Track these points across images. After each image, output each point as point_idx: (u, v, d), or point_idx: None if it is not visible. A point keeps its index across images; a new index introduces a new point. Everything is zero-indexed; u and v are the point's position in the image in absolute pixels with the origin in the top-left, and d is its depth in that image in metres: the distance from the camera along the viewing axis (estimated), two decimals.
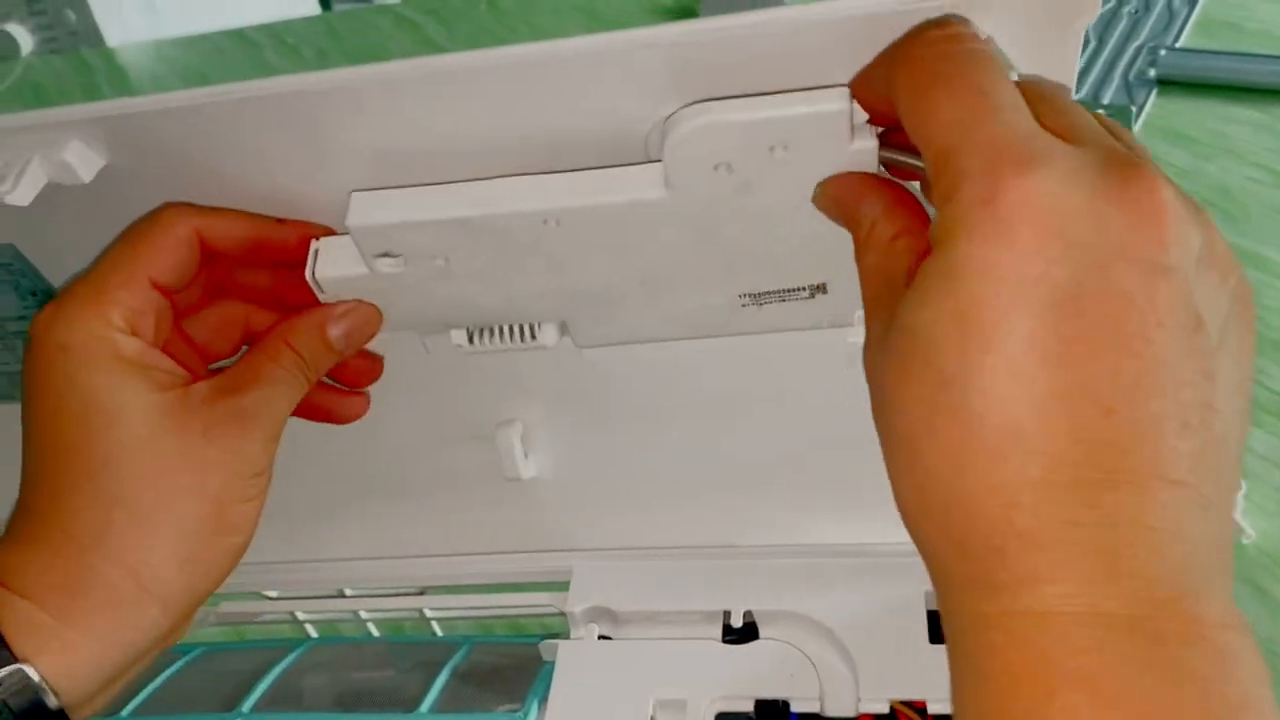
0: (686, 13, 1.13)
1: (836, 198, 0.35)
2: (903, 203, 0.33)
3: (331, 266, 0.41)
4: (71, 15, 1.35)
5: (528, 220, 0.38)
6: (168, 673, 0.57)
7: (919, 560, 0.47)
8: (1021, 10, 0.32)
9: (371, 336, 0.43)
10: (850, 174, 0.35)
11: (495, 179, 0.39)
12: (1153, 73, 0.87)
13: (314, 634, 0.61)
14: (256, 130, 0.38)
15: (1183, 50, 0.89)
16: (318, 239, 0.41)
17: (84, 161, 0.38)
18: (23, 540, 0.35)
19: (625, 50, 0.35)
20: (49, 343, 0.36)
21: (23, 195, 0.37)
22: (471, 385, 0.48)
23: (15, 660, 0.33)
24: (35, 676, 0.33)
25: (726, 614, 0.48)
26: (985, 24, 0.32)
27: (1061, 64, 0.33)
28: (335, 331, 0.41)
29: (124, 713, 0.54)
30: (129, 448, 0.35)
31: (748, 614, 0.48)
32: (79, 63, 1.36)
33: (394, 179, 0.39)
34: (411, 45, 1.18)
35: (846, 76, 0.34)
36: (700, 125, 0.35)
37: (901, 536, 0.48)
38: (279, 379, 0.39)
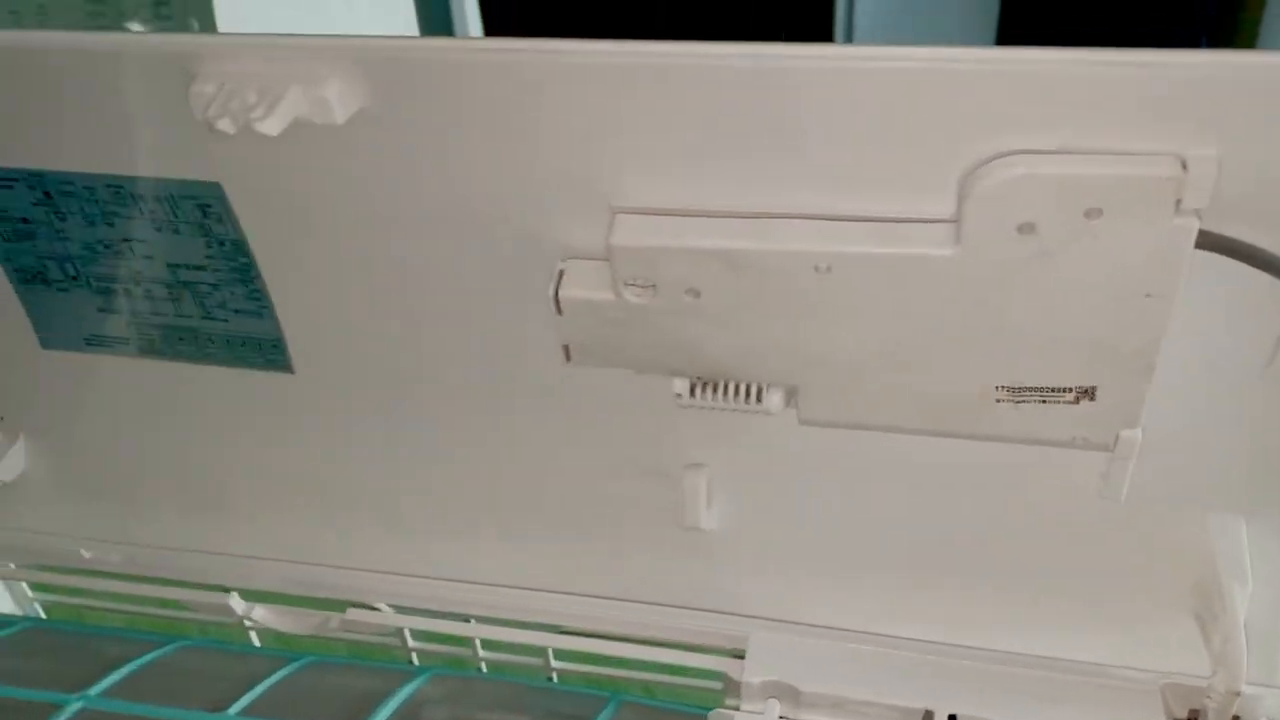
0: None
1: None
2: None
3: (576, 288, 0.38)
4: (195, 22, 1.31)
5: (800, 262, 0.36)
6: (276, 677, 0.54)
7: (1156, 690, 0.44)
8: None
9: None
10: None
11: (768, 217, 0.36)
12: None
13: (416, 660, 0.57)
14: (557, 98, 0.35)
15: None
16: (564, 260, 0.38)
17: (342, 101, 0.35)
18: None
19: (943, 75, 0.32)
20: None
21: (273, 125, 0.34)
22: (662, 417, 0.44)
23: None
24: None
25: (928, 714, 0.44)
26: None
27: None
28: None
29: (231, 711, 0.50)
30: None
31: (953, 718, 0.44)
32: None
33: (655, 195, 0.36)
34: None
35: (1179, 144, 0.32)
36: (1015, 177, 0.32)
37: (1141, 661, 0.45)
38: None
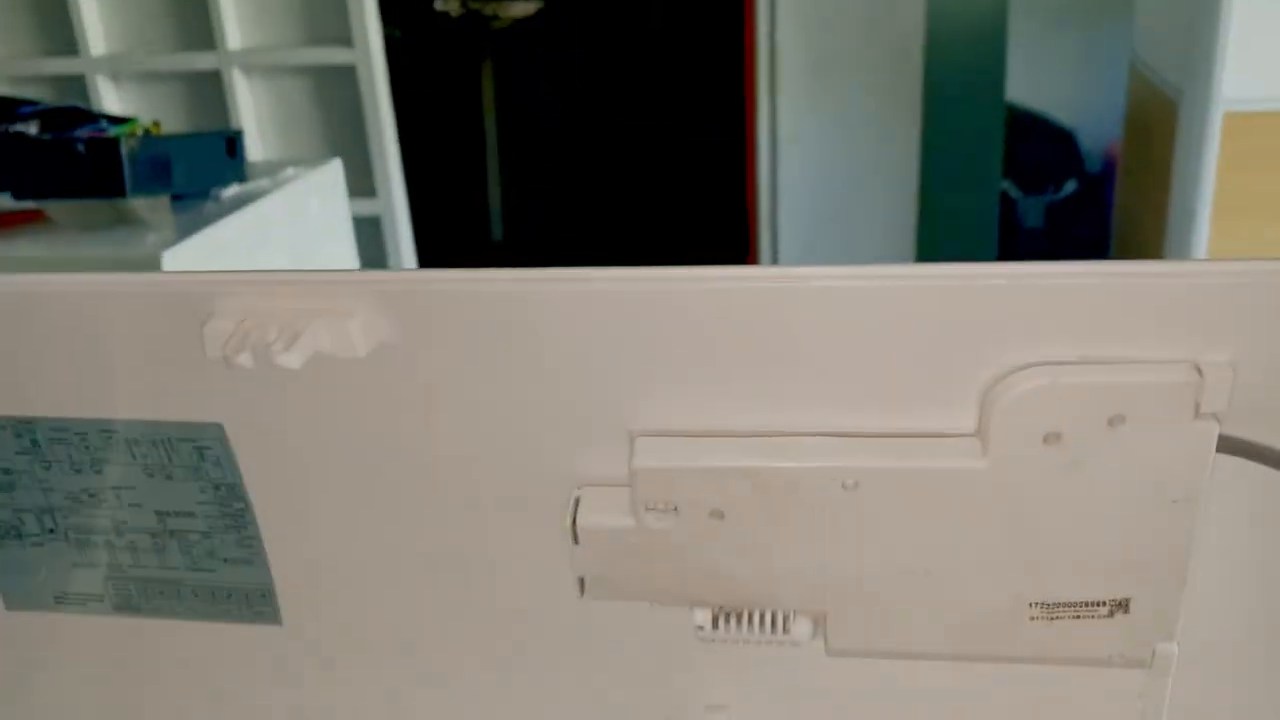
0: None
1: None
2: None
3: (594, 515, 0.37)
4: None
5: (826, 478, 0.35)
6: None
7: None
8: None
9: None
10: None
11: (792, 434, 0.36)
12: None
13: None
14: (571, 327, 0.35)
15: None
16: (580, 488, 0.37)
17: (365, 334, 0.35)
18: None
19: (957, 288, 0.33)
20: None
21: (295, 359, 0.34)
22: (681, 654, 0.42)
23: None
24: None
25: None
26: None
27: None
28: None
29: None
30: None
31: None
32: None
33: (674, 417, 0.36)
34: None
35: (1194, 350, 0.33)
36: (1037, 388, 0.33)
37: None
38: None
